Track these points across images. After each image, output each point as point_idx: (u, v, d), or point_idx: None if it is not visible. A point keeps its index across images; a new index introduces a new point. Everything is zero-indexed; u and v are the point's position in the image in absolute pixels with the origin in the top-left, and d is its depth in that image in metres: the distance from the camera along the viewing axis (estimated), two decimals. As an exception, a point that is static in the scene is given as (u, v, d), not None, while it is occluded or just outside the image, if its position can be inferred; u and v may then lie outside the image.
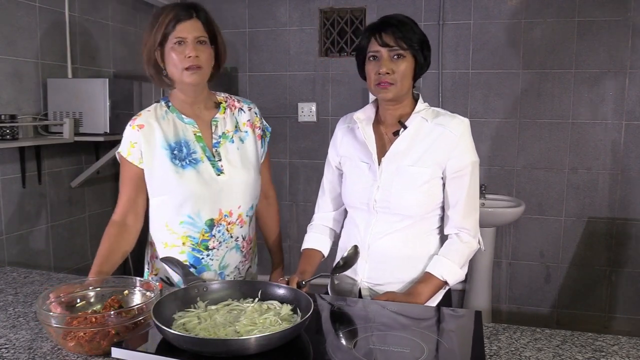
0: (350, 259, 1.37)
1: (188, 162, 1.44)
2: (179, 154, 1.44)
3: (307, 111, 3.35)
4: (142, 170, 1.44)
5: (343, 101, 3.30)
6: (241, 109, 1.57)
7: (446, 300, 1.46)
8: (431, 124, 1.39)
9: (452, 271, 1.37)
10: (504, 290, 3.26)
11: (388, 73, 1.34)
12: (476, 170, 1.40)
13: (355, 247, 1.38)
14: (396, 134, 1.41)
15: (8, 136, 2.21)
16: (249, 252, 1.58)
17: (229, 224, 1.48)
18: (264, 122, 1.63)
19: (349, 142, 1.50)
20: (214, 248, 1.48)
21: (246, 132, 1.55)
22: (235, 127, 1.54)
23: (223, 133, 1.51)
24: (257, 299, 1.15)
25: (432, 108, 1.44)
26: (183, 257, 1.45)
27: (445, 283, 1.38)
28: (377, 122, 1.47)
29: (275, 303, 1.14)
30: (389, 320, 1.15)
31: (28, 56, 2.40)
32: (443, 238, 1.45)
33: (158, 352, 0.94)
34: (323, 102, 3.34)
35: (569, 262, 3.14)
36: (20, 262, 2.37)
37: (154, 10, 1.45)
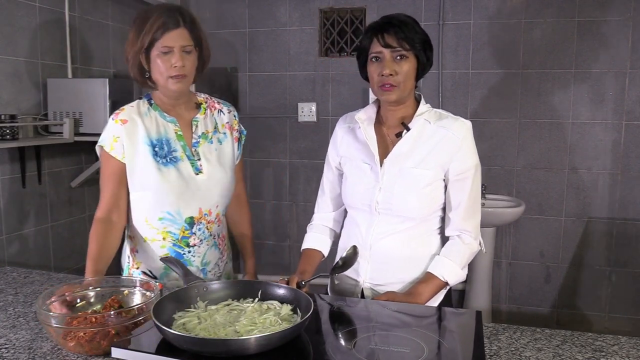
0: (350, 259, 1.37)
1: (169, 160, 1.46)
2: (160, 151, 1.46)
3: (307, 111, 3.35)
4: (124, 164, 1.45)
5: (343, 101, 3.30)
6: (221, 111, 1.60)
7: (446, 300, 1.46)
8: (434, 126, 1.39)
9: (453, 272, 1.37)
10: (504, 290, 3.26)
11: (391, 74, 1.33)
12: (478, 173, 1.40)
13: (354, 247, 1.38)
14: (399, 135, 1.40)
15: (8, 136, 2.21)
16: (224, 249, 1.63)
17: (209, 222, 1.52)
18: (241, 126, 1.66)
19: (350, 142, 1.49)
20: (194, 245, 1.51)
21: (224, 133, 1.58)
22: (215, 128, 1.57)
23: (203, 133, 1.53)
24: (257, 299, 1.15)
25: (435, 110, 1.43)
26: (164, 252, 1.48)
27: (446, 283, 1.38)
28: (379, 123, 1.47)
29: (275, 303, 1.13)
30: (389, 320, 1.15)
31: (28, 56, 2.40)
32: (444, 238, 1.45)
33: (158, 352, 0.94)
34: (323, 102, 3.34)
35: (569, 262, 3.14)
36: (20, 262, 2.37)
37: (143, 10, 1.44)
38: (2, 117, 2.20)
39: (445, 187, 1.41)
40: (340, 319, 1.19)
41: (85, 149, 2.75)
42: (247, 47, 3.41)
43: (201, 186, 1.48)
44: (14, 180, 2.36)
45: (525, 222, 3.15)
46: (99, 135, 2.41)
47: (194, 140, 1.51)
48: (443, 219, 1.45)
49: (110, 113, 2.45)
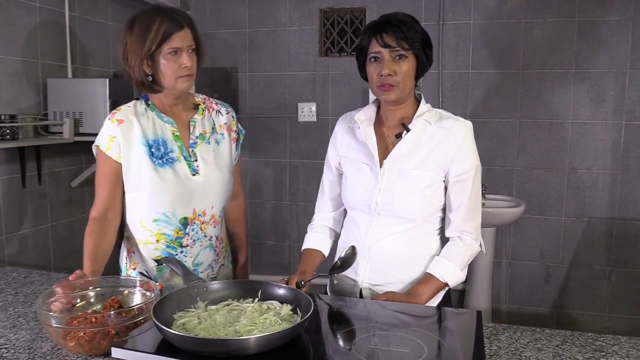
0: (348, 260, 1.36)
1: (165, 161, 1.46)
2: (157, 152, 1.46)
3: (307, 111, 3.35)
4: (120, 165, 1.45)
5: (343, 101, 3.30)
6: (219, 112, 1.60)
7: (446, 301, 1.45)
8: (434, 127, 1.38)
9: (452, 272, 1.37)
10: (504, 290, 3.26)
11: (390, 74, 1.32)
12: (479, 174, 1.39)
13: (353, 247, 1.38)
14: (399, 136, 1.40)
15: (8, 136, 2.21)
16: (221, 251, 1.62)
17: (203, 223, 1.52)
18: (239, 126, 1.66)
19: (350, 142, 1.49)
20: (187, 245, 1.51)
21: (222, 134, 1.58)
22: (212, 128, 1.56)
23: (200, 134, 1.53)
24: (257, 299, 1.15)
25: (435, 110, 1.42)
26: (157, 254, 1.49)
27: (446, 284, 1.38)
28: (379, 123, 1.46)
29: (275, 303, 1.13)
30: (389, 320, 1.15)
31: (28, 56, 2.40)
32: (444, 239, 1.45)
33: (158, 352, 0.94)
34: (323, 102, 3.34)
35: (569, 262, 3.14)
36: (20, 262, 2.37)
37: (138, 13, 1.43)
38: (2, 117, 2.20)
39: (446, 188, 1.40)
40: (340, 319, 1.19)
41: (85, 149, 2.75)
42: (247, 47, 3.41)
43: (197, 187, 1.48)
44: (14, 180, 2.36)
45: (525, 222, 3.15)
46: (98, 135, 2.37)
47: (191, 141, 1.51)
48: (443, 220, 1.44)
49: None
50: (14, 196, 2.36)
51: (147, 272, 1.53)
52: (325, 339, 1.08)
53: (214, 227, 1.56)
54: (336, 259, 1.40)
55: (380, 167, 1.40)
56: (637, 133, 2.96)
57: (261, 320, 1.05)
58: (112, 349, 0.95)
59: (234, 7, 3.38)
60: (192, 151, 1.50)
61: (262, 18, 3.36)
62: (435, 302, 1.42)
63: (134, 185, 1.46)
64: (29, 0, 2.39)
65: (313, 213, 1.62)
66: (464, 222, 1.39)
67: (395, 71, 1.33)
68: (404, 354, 0.96)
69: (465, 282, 3.05)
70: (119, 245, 1.58)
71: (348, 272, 1.45)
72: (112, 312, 1.05)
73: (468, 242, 1.39)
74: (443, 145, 1.36)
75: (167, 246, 1.49)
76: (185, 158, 1.48)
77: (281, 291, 1.17)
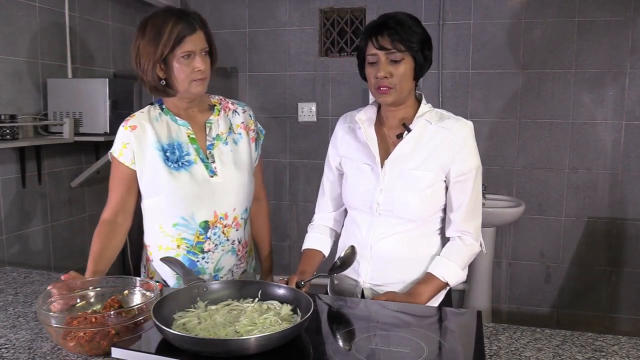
0: (348, 259, 1.36)
1: (181, 164, 1.44)
2: (172, 156, 1.44)
3: (307, 111, 3.35)
4: (134, 171, 1.44)
5: (343, 101, 3.30)
6: (235, 111, 1.57)
7: (446, 301, 1.45)
8: (435, 127, 1.38)
9: (453, 272, 1.37)
10: (504, 290, 3.26)
11: (386, 77, 1.32)
12: (480, 174, 1.39)
13: (352, 247, 1.37)
14: (399, 136, 1.40)
15: (8, 136, 2.21)
16: (244, 255, 1.58)
17: (225, 226, 1.49)
18: (259, 125, 1.63)
19: (350, 143, 1.49)
20: (209, 250, 1.48)
21: (240, 134, 1.55)
22: (229, 129, 1.54)
23: (217, 135, 1.51)
24: (257, 299, 1.15)
25: (436, 110, 1.42)
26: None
27: (446, 284, 1.38)
28: (379, 123, 1.46)
29: (275, 303, 1.13)
30: (390, 320, 1.15)
31: (28, 56, 2.41)
32: (445, 239, 1.45)
33: (158, 352, 0.94)
34: (323, 102, 3.34)
35: (569, 262, 3.14)
36: (20, 262, 2.37)
37: (150, 15, 1.42)
38: (2, 117, 2.20)
39: (446, 188, 1.40)
40: (340, 319, 1.19)
41: (85, 149, 2.75)
42: (247, 47, 3.41)
43: (216, 189, 1.45)
44: (14, 180, 2.36)
45: (525, 222, 3.15)
46: (99, 135, 2.41)
47: (208, 143, 1.49)
48: (444, 220, 1.44)
49: (111, 113, 2.48)
50: (14, 196, 2.36)
51: (164, 281, 1.50)
52: (325, 339, 1.08)
53: (237, 230, 1.52)
54: (336, 259, 1.40)
55: (381, 167, 1.40)
56: (637, 133, 2.96)
57: (261, 320, 1.05)
58: (112, 349, 0.95)
59: (234, 7, 3.38)
60: (210, 153, 1.48)
61: (262, 18, 3.36)
62: (436, 302, 1.42)
63: (151, 191, 1.45)
64: (29, 0, 2.39)
65: (313, 213, 1.62)
66: (465, 222, 1.39)
67: (391, 73, 1.32)
68: (404, 354, 0.96)
69: (465, 282, 3.04)
70: (127, 249, 1.57)
71: (349, 273, 1.45)
72: (112, 312, 1.05)
73: (468, 242, 1.39)
74: (444, 146, 1.36)
75: (188, 252, 1.46)
76: (202, 160, 1.46)
77: (281, 291, 1.17)
